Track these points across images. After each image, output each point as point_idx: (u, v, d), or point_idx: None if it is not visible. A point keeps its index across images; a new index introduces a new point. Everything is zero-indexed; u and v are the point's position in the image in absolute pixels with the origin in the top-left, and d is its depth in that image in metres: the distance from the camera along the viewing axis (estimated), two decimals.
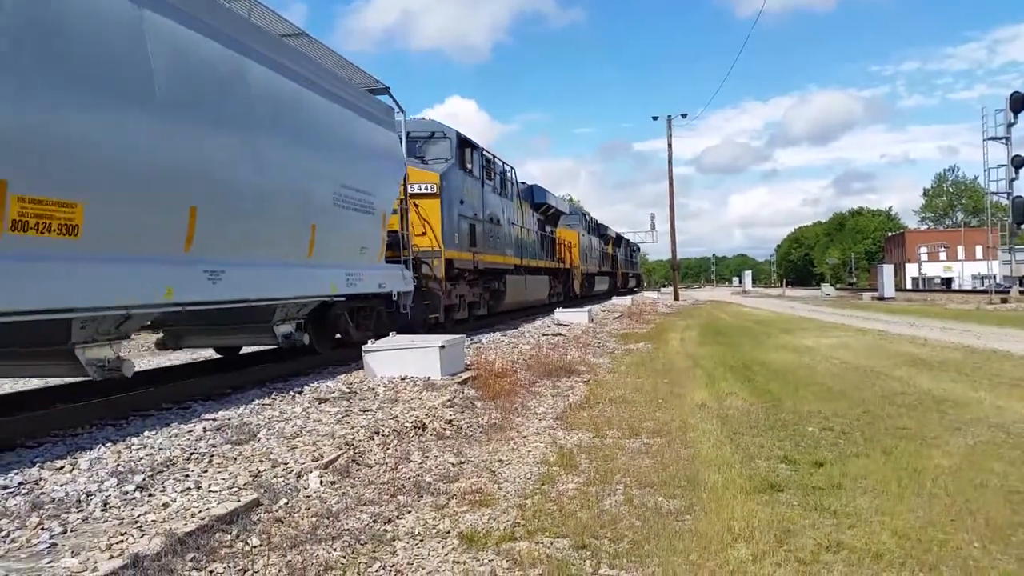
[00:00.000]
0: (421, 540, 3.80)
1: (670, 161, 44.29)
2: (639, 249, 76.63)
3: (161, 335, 9.30)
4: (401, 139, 12.16)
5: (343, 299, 10.21)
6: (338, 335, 10.99)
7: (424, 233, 13.57)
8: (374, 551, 3.62)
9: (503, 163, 19.30)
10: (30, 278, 5.19)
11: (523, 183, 22.88)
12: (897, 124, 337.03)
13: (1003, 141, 34.46)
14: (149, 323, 8.47)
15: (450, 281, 14.37)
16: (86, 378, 6.20)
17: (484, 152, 17.21)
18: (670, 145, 44.11)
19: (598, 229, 41.71)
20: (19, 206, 5.09)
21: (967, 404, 7.30)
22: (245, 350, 11.06)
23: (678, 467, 5.10)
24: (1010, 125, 34.00)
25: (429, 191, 13.83)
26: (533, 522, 4.01)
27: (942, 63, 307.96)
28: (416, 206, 13.33)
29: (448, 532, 3.91)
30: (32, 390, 8.08)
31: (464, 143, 15.75)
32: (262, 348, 11.03)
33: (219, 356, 11.17)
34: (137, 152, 6.08)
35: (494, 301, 18.03)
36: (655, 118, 44.71)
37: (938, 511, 4.05)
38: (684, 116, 45.62)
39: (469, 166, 15.97)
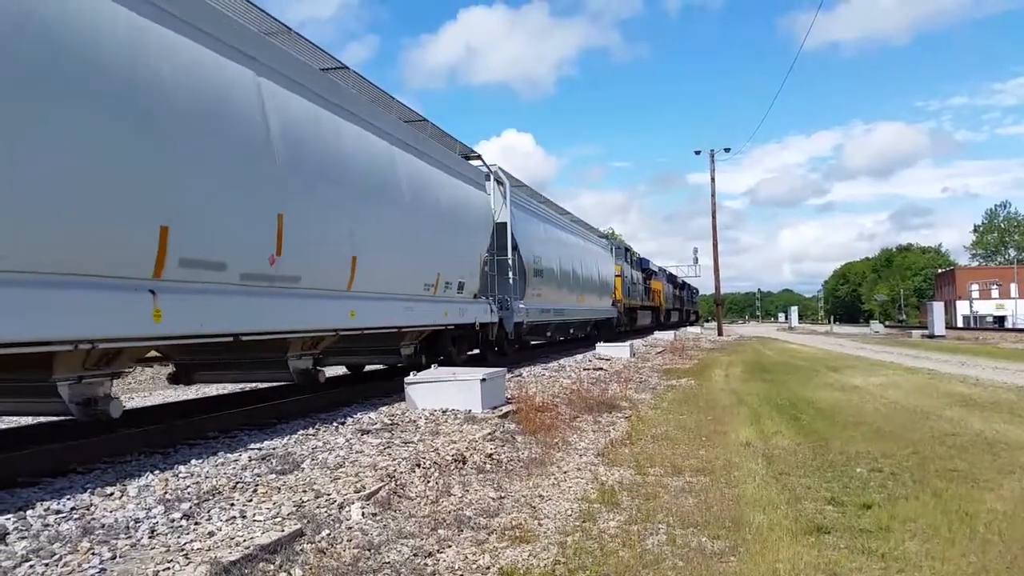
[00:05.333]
0: (461, 575, 3.80)
1: (713, 195, 44.47)
2: (698, 291, 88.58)
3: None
4: (612, 253, 30.41)
5: (606, 319, 28.03)
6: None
7: (614, 292, 29.42)
8: None
9: (632, 250, 38.77)
10: None
11: (637, 256, 40.39)
12: (945, 160, 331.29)
13: None
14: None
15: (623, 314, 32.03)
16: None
17: (629, 248, 37.51)
18: (713, 179, 44.33)
19: (672, 278, 57.67)
20: None
21: (1021, 446, 7.08)
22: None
23: (722, 507, 5.03)
24: None
25: (617, 274, 30.19)
26: (574, 560, 3.99)
27: (990, 98, 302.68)
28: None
29: (488, 568, 3.90)
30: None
31: (626, 249, 35.74)
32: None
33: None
34: None
35: (631, 324, 34.92)
36: (697, 152, 45.15)
37: (992, 557, 3.93)
38: (727, 151, 45.77)
39: (627, 260, 34.16)
